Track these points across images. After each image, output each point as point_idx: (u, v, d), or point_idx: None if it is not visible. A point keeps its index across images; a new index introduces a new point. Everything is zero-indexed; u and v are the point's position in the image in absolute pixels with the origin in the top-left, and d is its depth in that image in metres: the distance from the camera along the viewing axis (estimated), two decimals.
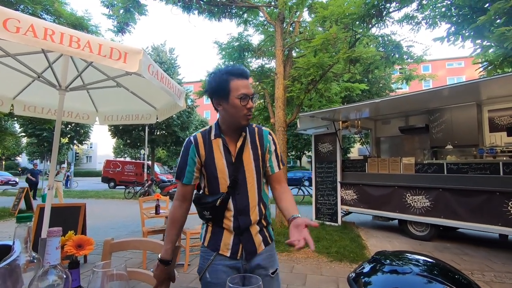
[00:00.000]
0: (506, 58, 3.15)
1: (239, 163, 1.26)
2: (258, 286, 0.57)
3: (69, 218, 3.90)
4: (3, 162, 39.76)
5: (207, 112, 40.17)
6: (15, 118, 10.43)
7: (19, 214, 0.71)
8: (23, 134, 18.82)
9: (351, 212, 6.40)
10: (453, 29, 4.76)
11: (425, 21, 5.21)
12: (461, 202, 4.52)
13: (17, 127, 17.46)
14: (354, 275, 0.63)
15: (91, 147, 44.86)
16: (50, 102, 3.54)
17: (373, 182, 5.75)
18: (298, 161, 30.31)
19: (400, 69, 8.09)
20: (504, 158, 4.56)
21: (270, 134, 1.36)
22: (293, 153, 26.39)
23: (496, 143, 5.29)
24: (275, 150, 1.35)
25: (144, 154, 19.33)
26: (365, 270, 0.62)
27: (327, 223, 6.21)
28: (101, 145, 43.65)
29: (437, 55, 48.61)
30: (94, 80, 3.03)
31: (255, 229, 1.27)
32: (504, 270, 3.62)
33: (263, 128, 1.37)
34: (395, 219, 5.53)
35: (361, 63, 5.75)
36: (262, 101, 7.84)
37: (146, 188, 12.22)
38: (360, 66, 5.96)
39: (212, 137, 1.27)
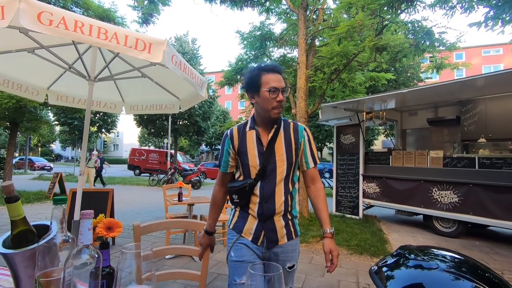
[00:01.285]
0: None
1: (270, 153, 1.31)
2: (279, 275, 0.58)
3: (98, 202, 4.13)
4: (39, 149, 42.55)
5: (228, 102, 40.39)
6: (49, 108, 11.05)
7: (55, 197, 0.75)
8: (56, 122, 19.97)
9: (373, 206, 6.26)
10: (492, 13, 4.40)
11: (460, 5, 4.85)
12: (494, 198, 4.27)
13: (50, 116, 18.54)
14: (376, 268, 0.62)
15: (117, 136, 46.82)
16: (80, 92, 3.71)
17: (397, 175, 5.56)
18: (319, 152, 29.93)
19: (430, 57, 7.64)
20: None
21: (305, 130, 1.40)
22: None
23: None
24: (310, 146, 1.39)
25: (167, 143, 19.89)
26: (388, 264, 0.61)
27: (348, 215, 6.12)
28: (127, 134, 45.43)
29: (472, 42, 45.41)
30: (121, 71, 3.13)
31: (279, 219, 1.30)
32: None
33: (299, 123, 1.42)
34: (419, 214, 5.35)
35: (388, 51, 5.49)
36: None
37: (169, 176, 12.61)
38: (387, 54, 5.70)
39: (247, 129, 1.36)
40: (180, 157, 21.22)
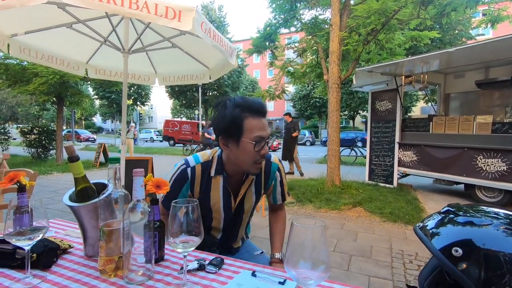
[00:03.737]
0: None
1: (239, 211, 1.17)
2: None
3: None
4: (83, 122, 45.86)
5: (257, 71, 39.71)
6: (88, 82, 11.67)
7: (111, 157, 0.83)
8: (96, 96, 21.18)
9: (408, 175, 6.04)
10: None
11: None
12: None
13: (90, 90, 19.65)
14: (421, 224, 0.61)
15: (151, 108, 48.73)
16: (116, 65, 3.84)
17: (437, 143, 5.25)
18: (351, 121, 28.94)
19: (484, 10, 6.71)
20: None
21: (278, 170, 1.23)
22: (346, 112, 25.18)
23: None
24: (282, 185, 1.25)
25: (198, 114, 20.37)
26: (434, 220, 0.60)
27: (381, 184, 6.00)
28: (160, 106, 47.08)
29: None
30: (152, 42, 3.17)
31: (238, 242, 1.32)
32: None
33: (272, 160, 1.21)
34: (461, 183, 5.08)
35: (435, 4, 4.92)
36: (314, 56, 7.40)
37: (202, 146, 13.06)
38: (433, 8, 5.11)
39: (212, 173, 1.10)
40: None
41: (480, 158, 4.62)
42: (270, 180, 1.22)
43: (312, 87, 24.78)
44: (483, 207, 0.60)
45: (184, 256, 0.75)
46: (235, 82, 18.25)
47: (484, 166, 4.57)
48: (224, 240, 1.22)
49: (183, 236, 0.73)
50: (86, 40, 3.08)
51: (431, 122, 5.47)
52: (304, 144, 24.40)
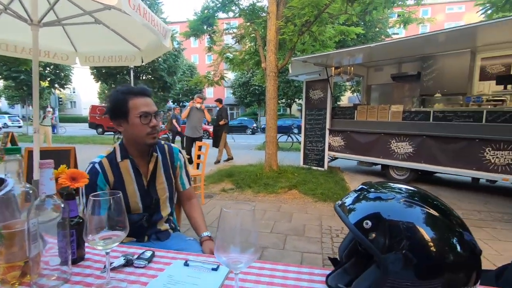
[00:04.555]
0: (509, 0, 2.99)
1: (152, 187, 1.26)
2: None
3: (58, 161, 3.90)
4: None
5: (195, 56, 38.19)
6: None
7: (7, 147, 0.69)
8: None
9: (337, 158, 6.66)
10: None
11: None
12: (442, 148, 4.74)
13: None
14: (340, 202, 0.67)
15: (74, 92, 43.11)
16: (23, 39, 3.24)
17: (360, 129, 5.87)
18: (288, 108, 30.27)
19: (398, 12, 7.65)
20: (489, 107, 4.66)
21: (180, 152, 1.40)
22: (283, 100, 26.16)
23: (484, 91, 5.35)
24: (185, 168, 1.40)
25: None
26: (351, 198, 0.66)
27: (314, 168, 6.48)
28: (85, 90, 41.91)
29: None
30: (70, 15, 2.75)
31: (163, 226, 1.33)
32: (471, 208, 3.99)
33: (173, 145, 1.39)
34: (378, 164, 5.82)
35: (359, 2, 5.38)
36: (252, 44, 7.44)
37: (170, 135, 12.03)
38: (358, 6, 5.59)
39: (119, 158, 1.22)
40: None
41: (393, 142, 5.35)
42: (175, 161, 1.36)
43: (251, 75, 25.01)
44: (390, 184, 0.69)
45: (107, 253, 0.69)
46: (171, 66, 17.24)
47: (396, 149, 5.31)
48: (147, 214, 1.25)
49: (105, 232, 0.67)
50: None
51: (355, 110, 6.07)
52: (244, 131, 24.73)
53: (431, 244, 0.55)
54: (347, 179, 5.66)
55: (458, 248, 0.56)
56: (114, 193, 0.67)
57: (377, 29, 12.31)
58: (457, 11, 33.56)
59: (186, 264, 0.81)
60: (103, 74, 16.75)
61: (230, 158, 7.62)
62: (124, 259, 0.81)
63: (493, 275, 0.99)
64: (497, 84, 4.97)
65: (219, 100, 7.52)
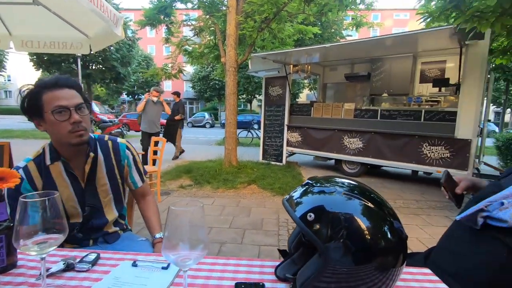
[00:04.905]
0: (443, 11, 3.35)
1: (91, 189, 1.13)
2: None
3: None
4: None
5: (152, 47, 36.32)
6: None
7: None
8: None
9: (295, 153, 6.89)
10: None
11: None
12: (387, 144, 5.17)
13: None
14: (288, 197, 0.70)
15: (9, 80, 38.34)
16: None
17: (316, 125, 6.14)
18: (249, 104, 30.44)
19: (352, 15, 8.12)
20: (427, 106, 5.20)
21: (128, 148, 1.26)
22: (244, 96, 26.22)
23: (423, 93, 5.94)
24: (136, 165, 1.28)
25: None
26: (297, 192, 0.69)
27: (273, 163, 6.63)
28: (22, 78, 37.39)
29: (387, 4, 49.39)
30: None
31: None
32: (411, 198, 4.43)
33: (119, 141, 1.25)
34: (332, 159, 6.16)
35: (316, 3, 5.58)
36: (212, 37, 7.31)
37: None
38: (315, 6, 5.80)
39: (48, 161, 1.07)
40: (96, 107, 18.86)
41: (345, 138, 5.69)
42: (121, 159, 1.23)
43: (211, 69, 24.61)
44: (333, 178, 0.74)
45: (42, 259, 0.63)
46: (125, 56, 16.16)
47: (348, 144, 5.66)
48: (85, 220, 1.13)
49: (40, 236, 0.61)
50: None
51: (312, 108, 6.32)
52: (204, 126, 24.32)
53: (367, 232, 0.60)
54: (304, 173, 5.89)
55: (389, 235, 0.62)
56: (49, 193, 0.62)
57: (333, 30, 12.90)
58: (403, 18, 36.58)
59: (134, 265, 0.78)
60: (44, 61, 15.10)
61: (181, 151, 7.39)
62: (63, 264, 0.75)
63: (422, 256, 1.12)
64: (433, 86, 5.54)
65: (177, 93, 7.17)
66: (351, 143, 5.62)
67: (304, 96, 25.50)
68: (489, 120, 6.74)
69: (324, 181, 0.71)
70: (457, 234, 0.97)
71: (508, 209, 0.80)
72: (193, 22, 7.48)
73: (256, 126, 12.04)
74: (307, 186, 0.70)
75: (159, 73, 7.38)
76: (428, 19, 3.60)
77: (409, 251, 1.23)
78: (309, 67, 6.59)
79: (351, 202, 0.64)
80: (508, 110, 23.59)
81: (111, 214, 1.20)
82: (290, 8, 5.81)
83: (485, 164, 5.54)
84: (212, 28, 6.75)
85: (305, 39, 8.67)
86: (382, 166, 5.74)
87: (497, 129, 18.90)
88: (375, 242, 0.60)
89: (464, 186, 1.13)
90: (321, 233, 0.61)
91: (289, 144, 6.57)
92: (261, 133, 7.05)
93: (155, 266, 0.77)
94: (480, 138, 4.87)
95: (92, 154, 1.12)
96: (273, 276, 0.76)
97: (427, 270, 0.84)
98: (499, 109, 24.13)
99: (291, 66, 6.42)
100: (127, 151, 1.25)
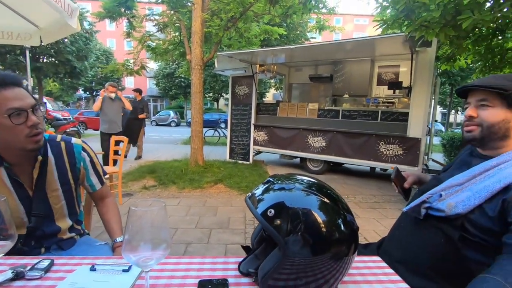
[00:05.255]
0: (396, 20, 3.62)
1: (40, 196, 1.03)
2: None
3: None
4: None
5: (111, 41, 34.32)
6: None
7: None
8: None
9: (261, 152, 6.98)
10: None
11: None
12: (348, 142, 5.45)
13: None
14: (250, 194, 0.72)
15: None
16: None
17: (282, 124, 6.28)
18: (216, 103, 30.12)
19: (315, 18, 8.42)
20: (383, 107, 5.57)
21: (84, 149, 1.16)
22: (211, 94, 25.90)
23: (380, 94, 6.35)
24: (94, 166, 1.19)
25: (27, 85, 15.73)
26: (259, 190, 0.72)
27: (240, 162, 6.66)
28: None
29: (348, 9, 51.85)
30: None
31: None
32: (369, 193, 4.73)
33: (74, 141, 1.14)
34: (297, 157, 6.34)
35: (281, 5, 5.70)
36: (177, 34, 7.12)
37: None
38: (280, 8, 5.92)
39: None
40: (49, 104, 17.38)
41: (310, 137, 5.89)
42: (77, 161, 1.13)
43: (176, 66, 23.91)
44: (294, 175, 0.78)
45: None
46: (81, 49, 15.05)
47: (312, 143, 5.87)
48: (30, 232, 1.03)
49: None
50: None
51: (278, 107, 6.45)
52: (169, 125, 23.61)
53: (323, 225, 0.65)
54: (270, 171, 6.00)
55: (342, 227, 0.67)
56: None
57: (298, 32, 13.25)
58: (362, 23, 38.70)
59: (92, 269, 0.75)
60: None
61: (138, 156, 6.95)
62: (12, 272, 0.70)
63: (375, 246, 1.21)
64: (389, 88, 5.96)
65: (138, 91, 6.77)
66: (315, 142, 5.84)
67: (270, 96, 25.85)
68: (436, 121, 7.43)
69: (285, 178, 0.75)
70: (404, 224, 1.07)
71: (446, 200, 0.91)
72: (157, 17, 7.22)
73: (223, 125, 11.97)
74: (268, 184, 0.73)
75: (120, 69, 7.03)
76: (384, 26, 3.86)
77: (365, 242, 1.33)
78: (275, 67, 6.72)
79: (309, 198, 0.68)
80: (453, 111, 26.13)
81: (64, 222, 1.11)
82: (256, 8, 5.87)
83: (433, 160, 6.09)
84: (177, 24, 6.59)
85: (271, 39, 8.80)
86: (344, 163, 6.05)
87: (443, 129, 20.85)
88: (330, 234, 0.65)
89: (411, 181, 1.25)
90: (281, 228, 0.64)
91: (255, 143, 6.64)
92: (228, 132, 7.03)
93: (115, 269, 0.75)
94: (428, 137, 5.34)
95: (40, 158, 1.01)
96: (237, 272, 0.78)
97: (378, 258, 0.92)
98: (445, 110, 26.60)
99: (258, 65, 6.49)
100: (83, 152, 1.15)
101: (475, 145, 0.99)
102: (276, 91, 11.81)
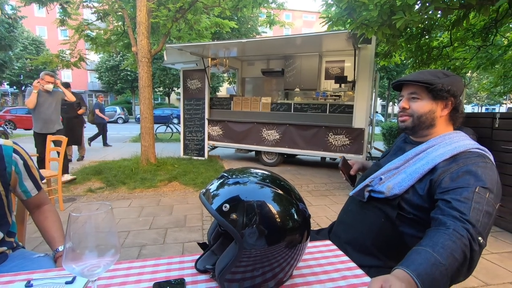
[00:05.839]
0: (340, 17, 3.85)
1: None
2: None
3: None
4: None
5: (42, 28, 30.52)
6: None
7: None
8: None
9: (216, 147, 6.91)
10: None
11: None
12: (300, 134, 5.68)
13: None
14: (204, 190, 0.71)
15: None
16: None
17: (236, 119, 6.28)
18: (167, 98, 28.87)
19: (266, 13, 8.52)
20: (331, 101, 5.90)
21: (15, 152, 1.05)
22: (161, 89, 24.75)
23: (328, 88, 6.72)
24: (28, 170, 1.09)
25: None
26: (213, 185, 0.71)
27: (195, 157, 6.51)
28: None
29: (296, 6, 53.41)
30: None
31: None
32: (321, 182, 5.01)
33: (2, 143, 1.03)
34: (252, 150, 6.42)
35: None
36: (120, 23, 6.61)
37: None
38: (230, 1, 5.85)
39: None
40: None
41: (264, 130, 6.00)
42: (7, 165, 1.01)
43: (121, 58, 22.28)
44: (249, 169, 0.78)
45: None
46: (4, 38, 13.12)
47: (266, 136, 5.99)
48: None
49: None
50: None
51: (232, 101, 6.43)
52: (115, 122, 21.98)
53: (277, 216, 0.67)
54: (226, 166, 5.98)
55: (295, 216, 0.70)
56: None
57: (249, 26, 13.28)
58: (310, 19, 40.27)
59: (28, 285, 0.67)
60: None
61: (81, 156, 6.38)
62: None
63: (326, 231, 1.29)
64: (335, 83, 6.33)
65: (66, 84, 5.14)
66: (269, 135, 5.97)
67: (224, 90, 25.62)
68: (377, 112, 8.13)
69: (239, 172, 0.75)
70: (351, 207, 1.16)
71: (385, 182, 1.00)
72: (96, 4, 6.61)
73: (175, 121, 11.56)
74: (222, 179, 0.73)
75: (54, 60, 6.32)
76: (329, 23, 4.07)
77: (318, 228, 1.41)
78: (227, 61, 6.66)
79: (263, 190, 0.69)
80: (390, 103, 28.85)
81: None
82: (206, 0, 5.72)
83: (375, 148, 6.67)
84: (120, 13, 6.11)
85: (223, 33, 8.70)
86: (297, 155, 6.30)
87: (383, 119, 22.94)
88: (284, 224, 0.67)
89: (356, 168, 1.35)
90: (236, 222, 0.65)
91: (210, 138, 6.55)
92: (181, 128, 6.81)
93: (56, 282, 0.68)
94: (370, 127, 5.82)
95: None
96: (194, 270, 0.77)
97: (329, 242, 0.98)
98: (384, 102, 29.25)
99: (210, 59, 6.36)
100: (14, 155, 1.03)
101: (408, 133, 1.11)
102: (230, 85, 11.75)
